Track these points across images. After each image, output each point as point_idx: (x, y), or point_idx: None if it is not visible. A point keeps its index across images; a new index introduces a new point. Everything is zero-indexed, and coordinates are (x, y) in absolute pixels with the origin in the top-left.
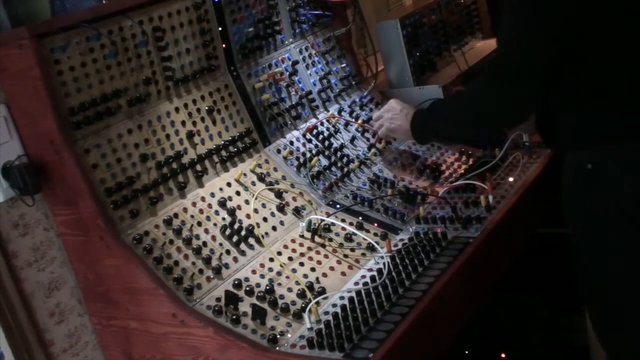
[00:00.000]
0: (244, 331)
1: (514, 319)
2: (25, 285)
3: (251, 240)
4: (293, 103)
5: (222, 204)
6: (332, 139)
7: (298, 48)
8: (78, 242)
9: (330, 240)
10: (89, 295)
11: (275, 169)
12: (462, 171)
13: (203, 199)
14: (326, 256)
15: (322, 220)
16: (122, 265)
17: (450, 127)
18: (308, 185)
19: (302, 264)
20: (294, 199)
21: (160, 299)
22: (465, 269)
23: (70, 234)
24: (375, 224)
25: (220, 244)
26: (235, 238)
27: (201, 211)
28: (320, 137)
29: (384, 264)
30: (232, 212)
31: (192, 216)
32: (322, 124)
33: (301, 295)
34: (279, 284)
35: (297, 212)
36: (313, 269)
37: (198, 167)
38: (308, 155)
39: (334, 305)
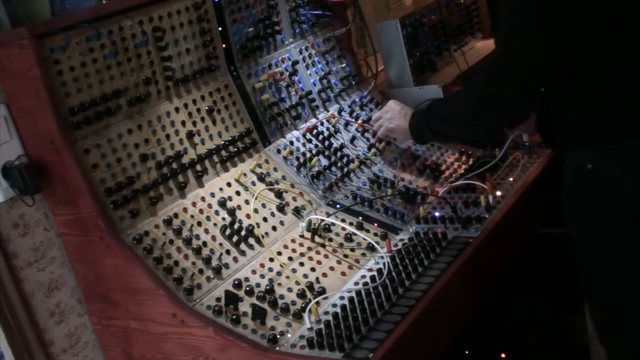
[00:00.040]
0: (244, 331)
1: (514, 319)
2: (25, 285)
3: (251, 240)
4: (293, 103)
5: (222, 204)
6: (332, 139)
7: (298, 48)
8: (78, 242)
9: (330, 240)
10: (89, 295)
11: (275, 169)
12: (462, 171)
13: (203, 199)
14: (326, 256)
15: (322, 220)
16: (122, 265)
17: (450, 127)
18: (308, 185)
19: (302, 264)
20: (294, 199)
21: (160, 299)
22: (465, 269)
23: (70, 234)
24: (375, 224)
25: (220, 244)
26: (235, 238)
27: (201, 211)
28: (320, 137)
29: (384, 264)
30: (232, 212)
31: (192, 216)
32: (322, 124)
33: (301, 295)
34: (279, 284)
35: (297, 212)
36: (313, 269)
37: (198, 167)
38: (308, 155)
39: (334, 305)
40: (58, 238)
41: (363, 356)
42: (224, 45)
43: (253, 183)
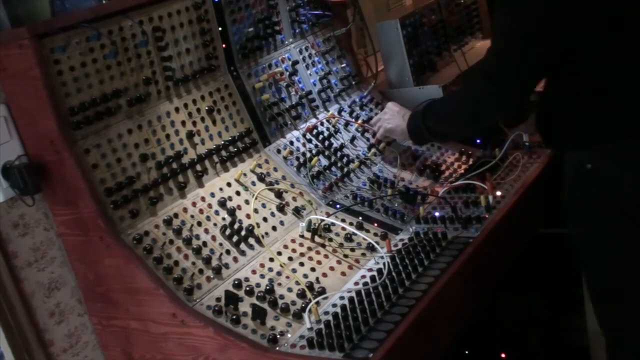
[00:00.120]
0: (244, 331)
1: (514, 319)
2: (25, 285)
3: (251, 240)
4: (293, 103)
5: (222, 204)
6: (332, 139)
7: (298, 48)
8: (78, 242)
9: (330, 240)
10: (89, 295)
11: (275, 169)
12: (462, 171)
13: (203, 199)
14: (326, 256)
15: (322, 220)
16: (122, 265)
17: (449, 126)
18: (308, 185)
19: (302, 264)
20: (294, 199)
21: (160, 299)
22: (465, 269)
23: (70, 234)
24: (375, 224)
25: (220, 244)
26: (235, 238)
27: (201, 211)
28: (320, 137)
29: (384, 264)
30: (232, 212)
31: (192, 216)
32: (322, 124)
33: (301, 295)
34: (279, 284)
35: (297, 212)
36: (313, 269)
37: (198, 167)
38: (308, 155)
39: (334, 305)
40: (58, 238)
41: (363, 356)
42: (224, 45)
43: (253, 183)
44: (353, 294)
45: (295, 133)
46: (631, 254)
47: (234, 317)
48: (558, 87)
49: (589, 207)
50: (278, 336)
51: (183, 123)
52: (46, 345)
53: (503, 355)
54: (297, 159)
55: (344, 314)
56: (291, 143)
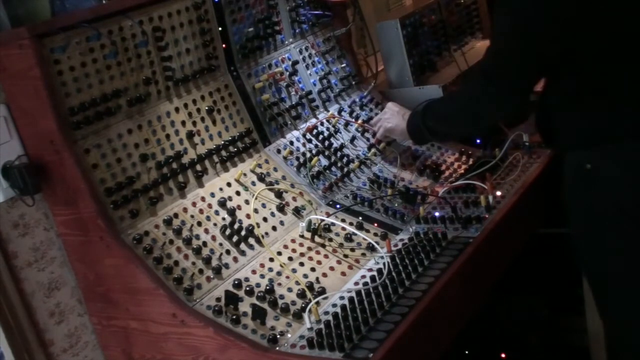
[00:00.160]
0: (244, 331)
1: (514, 319)
2: (25, 285)
3: (251, 240)
4: (293, 103)
5: (222, 204)
6: (332, 139)
7: (298, 48)
8: (78, 242)
9: (330, 240)
10: (89, 295)
11: (275, 169)
12: (462, 171)
13: (203, 199)
14: (326, 256)
15: (322, 220)
16: (122, 265)
17: (449, 126)
18: (308, 185)
19: (302, 264)
20: (294, 199)
21: (160, 299)
22: (465, 269)
23: (70, 234)
24: (375, 224)
25: (220, 244)
26: (235, 238)
27: (201, 211)
28: (320, 137)
29: (384, 264)
30: (232, 212)
31: (192, 216)
32: (322, 124)
33: (301, 295)
34: (279, 284)
35: (297, 212)
36: (313, 269)
37: (198, 167)
38: (308, 155)
39: (334, 305)
40: (58, 238)
41: (363, 356)
42: (224, 45)
43: (253, 183)
44: (353, 294)
45: (295, 133)
46: (631, 254)
47: (234, 317)
48: (558, 87)
49: (589, 207)
50: (278, 336)
51: (183, 123)
52: (46, 345)
53: (503, 355)
54: (297, 159)
55: (344, 314)
56: (291, 143)
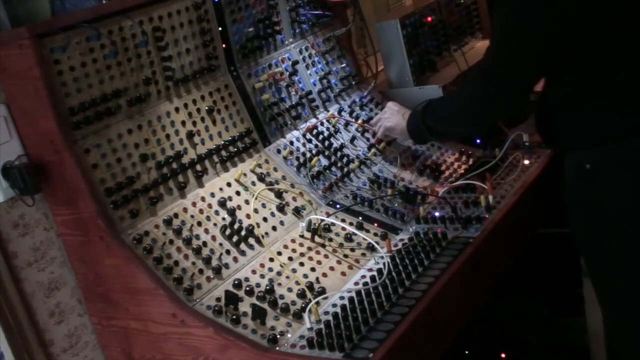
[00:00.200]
0: (244, 331)
1: (514, 319)
2: (25, 285)
3: (251, 240)
4: (293, 103)
5: (222, 204)
6: (332, 139)
7: (298, 48)
8: (78, 242)
9: (330, 240)
10: (89, 295)
11: (275, 169)
12: (462, 171)
13: (203, 199)
14: (326, 256)
15: (322, 220)
16: (122, 265)
17: (449, 126)
18: (308, 185)
19: (302, 264)
20: (294, 199)
21: (160, 299)
22: (465, 269)
23: (70, 234)
24: (375, 224)
25: (220, 244)
26: (235, 238)
27: (201, 211)
28: (320, 137)
29: (384, 264)
30: (232, 212)
31: (192, 216)
32: (322, 124)
33: (301, 295)
34: (279, 284)
35: (297, 212)
36: (313, 269)
37: (198, 167)
38: (308, 155)
39: (334, 305)
40: (58, 238)
41: (363, 356)
42: (224, 45)
43: (253, 183)
44: (353, 294)
45: (295, 133)
46: (631, 253)
47: (234, 317)
48: (558, 87)
49: (589, 207)
50: (278, 336)
51: (183, 123)
52: (46, 345)
53: (503, 355)
54: (297, 159)
55: (344, 314)
56: (291, 143)
